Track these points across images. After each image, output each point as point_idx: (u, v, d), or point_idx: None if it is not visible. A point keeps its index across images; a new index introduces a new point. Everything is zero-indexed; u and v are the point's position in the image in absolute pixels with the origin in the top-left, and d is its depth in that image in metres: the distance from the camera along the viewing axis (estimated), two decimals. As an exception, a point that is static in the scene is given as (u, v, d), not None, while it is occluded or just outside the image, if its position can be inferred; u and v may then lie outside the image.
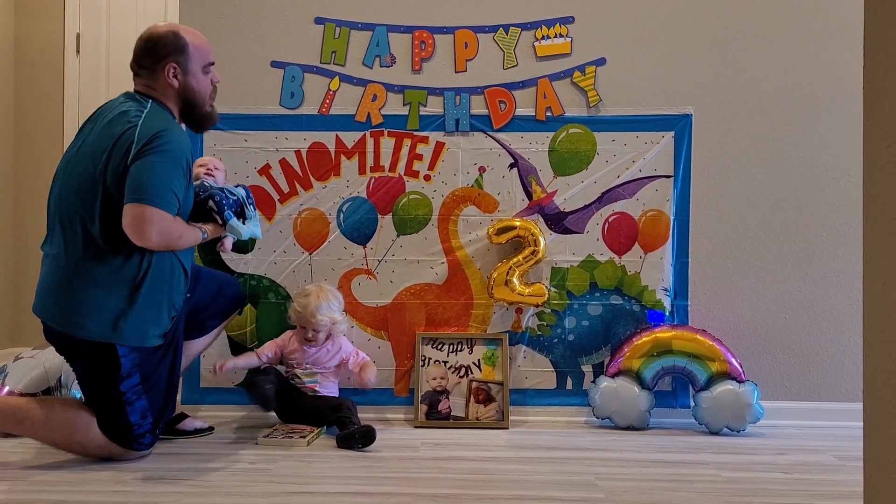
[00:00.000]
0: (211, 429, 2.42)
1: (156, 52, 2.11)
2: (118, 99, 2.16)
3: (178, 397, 2.64)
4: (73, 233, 2.03)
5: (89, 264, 2.01)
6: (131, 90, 2.17)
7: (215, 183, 2.35)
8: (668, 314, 2.65)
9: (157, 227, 1.96)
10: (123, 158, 1.99)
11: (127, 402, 2.04)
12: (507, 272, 2.58)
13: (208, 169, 2.40)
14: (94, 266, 2.01)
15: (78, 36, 3.74)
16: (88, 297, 2.00)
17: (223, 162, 2.63)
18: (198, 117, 2.18)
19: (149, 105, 2.08)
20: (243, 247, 2.66)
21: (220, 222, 2.22)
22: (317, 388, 2.47)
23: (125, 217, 1.96)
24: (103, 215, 2.01)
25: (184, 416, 2.39)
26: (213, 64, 2.20)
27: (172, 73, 2.10)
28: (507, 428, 2.53)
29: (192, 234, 2.13)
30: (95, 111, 2.18)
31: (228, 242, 2.35)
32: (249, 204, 2.36)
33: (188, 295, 2.22)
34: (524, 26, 2.68)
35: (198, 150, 2.62)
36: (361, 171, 2.68)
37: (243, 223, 2.29)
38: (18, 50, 3.71)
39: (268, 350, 2.51)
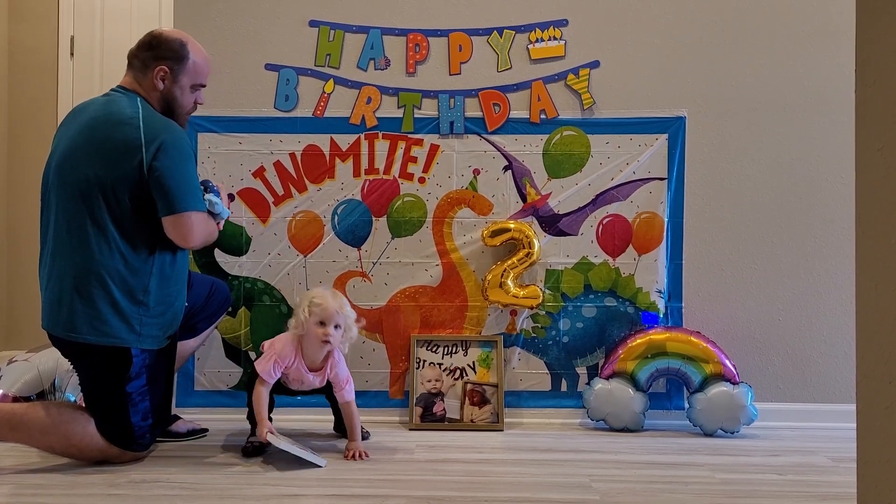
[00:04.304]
0: (205, 430, 2.41)
1: (155, 51, 2.13)
2: (98, 99, 2.15)
3: (172, 401, 2.64)
4: (79, 240, 2.01)
5: (102, 269, 2.00)
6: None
7: None
8: (662, 316, 2.66)
9: (199, 228, 2.07)
10: (134, 162, 2.00)
11: (131, 404, 2.04)
12: (502, 274, 2.59)
13: None
14: (107, 271, 2.00)
15: (72, 39, 3.73)
16: (105, 303, 2.00)
17: (216, 165, 2.63)
18: None
19: (139, 103, 2.08)
20: (238, 248, 2.66)
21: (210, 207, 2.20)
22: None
23: (167, 228, 2.03)
24: (113, 219, 2.01)
25: (176, 418, 2.38)
26: (203, 86, 2.22)
27: (161, 75, 2.12)
28: (502, 430, 2.53)
29: (216, 227, 2.21)
30: (71, 112, 2.18)
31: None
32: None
33: (186, 304, 2.22)
34: (518, 29, 2.69)
35: (193, 152, 2.62)
36: (356, 173, 2.68)
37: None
38: (12, 53, 3.70)
39: (273, 371, 2.16)
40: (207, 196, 2.16)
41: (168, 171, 2.01)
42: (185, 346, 2.36)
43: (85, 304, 2.00)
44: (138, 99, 2.10)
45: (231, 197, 2.64)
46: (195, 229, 2.06)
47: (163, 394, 2.15)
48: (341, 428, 2.35)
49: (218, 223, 2.23)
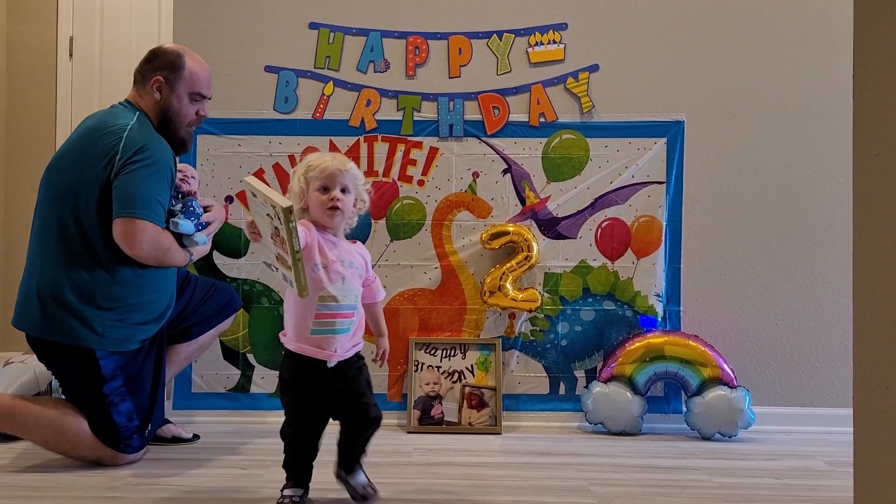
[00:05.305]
0: (196, 437, 2.37)
1: (153, 63, 2.19)
2: (102, 110, 2.21)
3: (170, 402, 2.64)
4: (47, 243, 2.06)
5: (63, 274, 2.03)
6: (124, 96, 2.23)
7: (189, 188, 2.29)
8: (660, 320, 2.66)
9: (147, 238, 2.02)
10: (107, 168, 2.03)
11: (111, 405, 2.05)
12: (501, 277, 2.59)
13: (184, 176, 2.34)
14: (68, 276, 2.03)
15: (71, 39, 3.73)
16: (64, 306, 2.02)
17: (214, 167, 2.63)
18: (171, 138, 2.18)
19: (136, 116, 2.12)
20: (236, 251, 2.66)
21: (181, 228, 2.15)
22: (353, 317, 1.75)
23: (116, 230, 2.01)
24: (79, 225, 2.04)
25: (165, 422, 2.34)
26: (205, 97, 2.22)
27: (157, 85, 2.16)
28: (500, 433, 2.53)
29: (179, 251, 2.14)
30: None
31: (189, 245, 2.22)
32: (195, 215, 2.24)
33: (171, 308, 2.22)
34: (518, 32, 2.69)
35: (192, 155, 2.62)
36: (355, 176, 2.68)
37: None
38: (10, 53, 3.70)
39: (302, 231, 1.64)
40: (175, 219, 2.12)
41: (131, 175, 2.01)
42: (181, 351, 2.34)
43: (46, 305, 2.03)
44: (138, 113, 2.14)
45: (229, 199, 2.65)
46: (139, 237, 2.00)
47: (149, 396, 2.14)
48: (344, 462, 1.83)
49: (189, 248, 2.16)
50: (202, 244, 2.21)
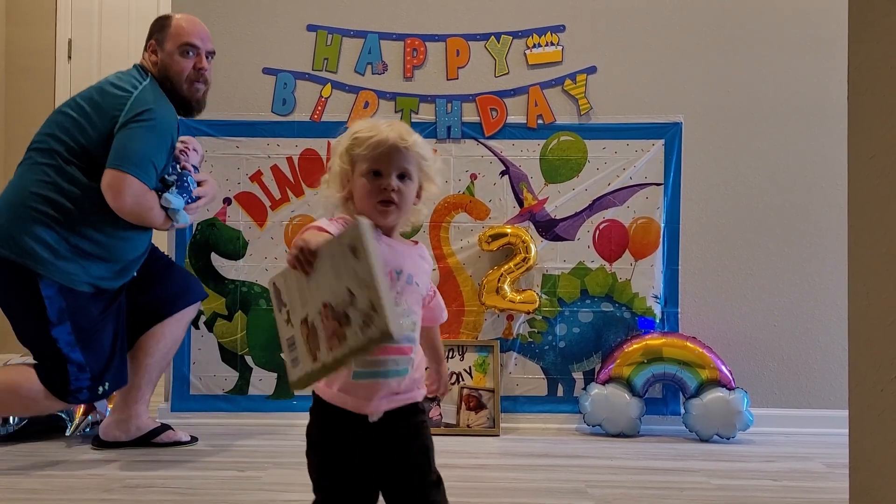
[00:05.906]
0: (193, 439, 2.35)
1: (149, 31, 2.30)
2: (123, 70, 2.29)
3: (168, 404, 2.64)
4: (28, 164, 2.13)
5: (42, 195, 2.07)
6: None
7: (187, 162, 2.33)
8: (658, 321, 2.66)
9: (131, 193, 2.07)
10: (111, 121, 2.10)
11: (61, 352, 2.06)
12: (499, 279, 2.59)
13: (186, 147, 2.35)
14: (37, 194, 2.07)
15: (70, 42, 3.73)
16: (30, 221, 2.05)
17: (213, 169, 2.63)
18: (178, 98, 2.25)
19: (148, 78, 2.21)
20: (235, 252, 2.66)
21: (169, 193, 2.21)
22: (411, 354, 1.21)
23: (104, 180, 2.07)
24: (62, 155, 2.10)
25: (165, 429, 2.32)
26: (197, 48, 2.25)
27: (151, 48, 2.27)
28: (498, 435, 2.53)
29: (160, 213, 2.18)
30: None
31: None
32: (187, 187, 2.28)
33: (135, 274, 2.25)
34: (516, 34, 2.69)
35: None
36: (353, 177, 2.68)
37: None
38: (9, 55, 3.70)
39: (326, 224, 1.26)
40: (167, 193, 2.17)
41: (132, 132, 2.09)
42: (151, 352, 2.27)
43: (9, 218, 2.07)
44: (150, 76, 2.22)
45: (227, 202, 2.65)
46: (124, 191, 2.06)
47: (107, 355, 2.13)
48: None
49: (172, 219, 2.21)
50: (184, 222, 2.25)
